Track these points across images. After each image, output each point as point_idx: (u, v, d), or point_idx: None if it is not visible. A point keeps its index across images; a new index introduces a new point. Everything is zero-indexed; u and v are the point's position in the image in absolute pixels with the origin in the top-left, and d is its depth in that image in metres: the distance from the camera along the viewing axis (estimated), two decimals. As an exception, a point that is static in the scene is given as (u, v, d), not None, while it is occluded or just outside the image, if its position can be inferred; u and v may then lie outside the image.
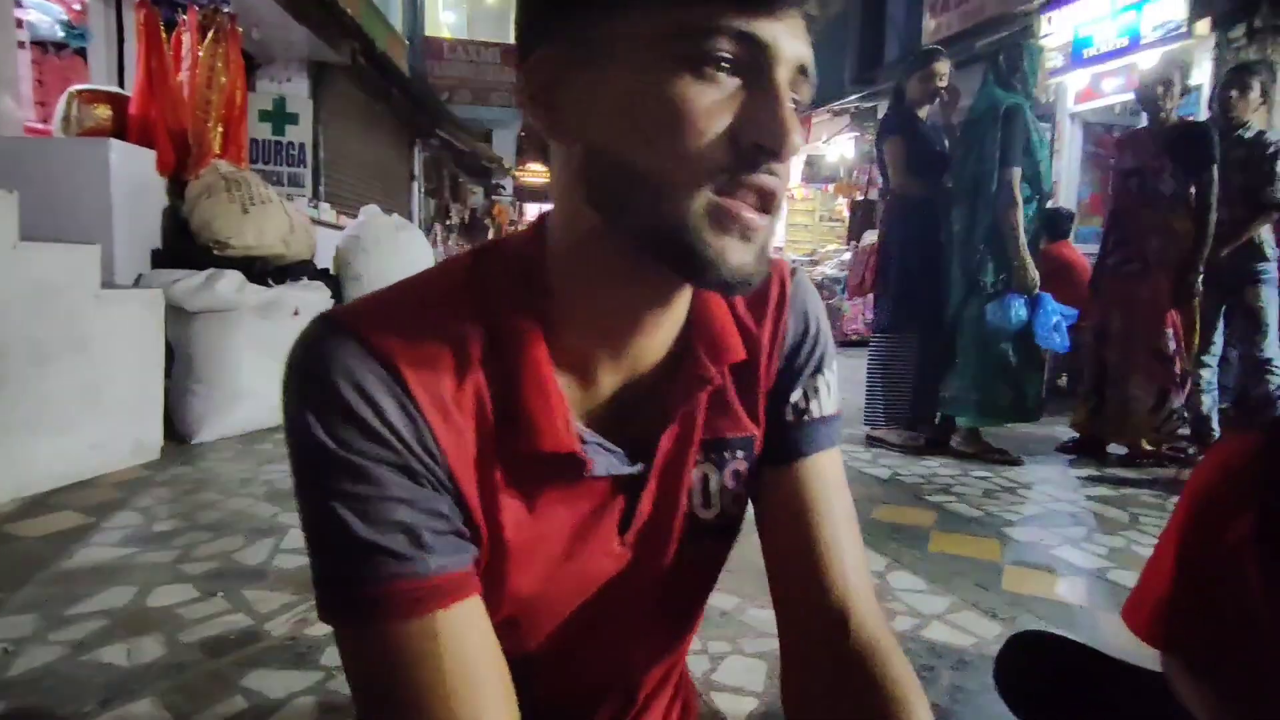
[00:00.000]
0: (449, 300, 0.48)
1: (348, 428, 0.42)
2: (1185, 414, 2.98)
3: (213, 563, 1.74)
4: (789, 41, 0.43)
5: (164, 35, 3.11)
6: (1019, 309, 2.80)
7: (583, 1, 0.44)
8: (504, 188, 14.11)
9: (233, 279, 2.95)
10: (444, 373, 0.45)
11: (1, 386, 1.99)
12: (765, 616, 1.59)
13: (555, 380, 0.47)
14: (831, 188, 8.60)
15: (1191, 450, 3.01)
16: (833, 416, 0.60)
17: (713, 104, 0.42)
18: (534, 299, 0.48)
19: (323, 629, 1.42)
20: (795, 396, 0.58)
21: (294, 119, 5.77)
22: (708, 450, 0.56)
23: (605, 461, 0.50)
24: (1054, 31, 6.40)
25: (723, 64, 0.41)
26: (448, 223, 10.79)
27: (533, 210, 24.94)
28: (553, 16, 0.46)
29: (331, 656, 1.33)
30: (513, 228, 12.71)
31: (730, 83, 0.42)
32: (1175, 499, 2.40)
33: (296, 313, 3.10)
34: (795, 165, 10.40)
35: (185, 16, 3.27)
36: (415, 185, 9.87)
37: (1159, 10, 5.60)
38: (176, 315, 2.75)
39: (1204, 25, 5.37)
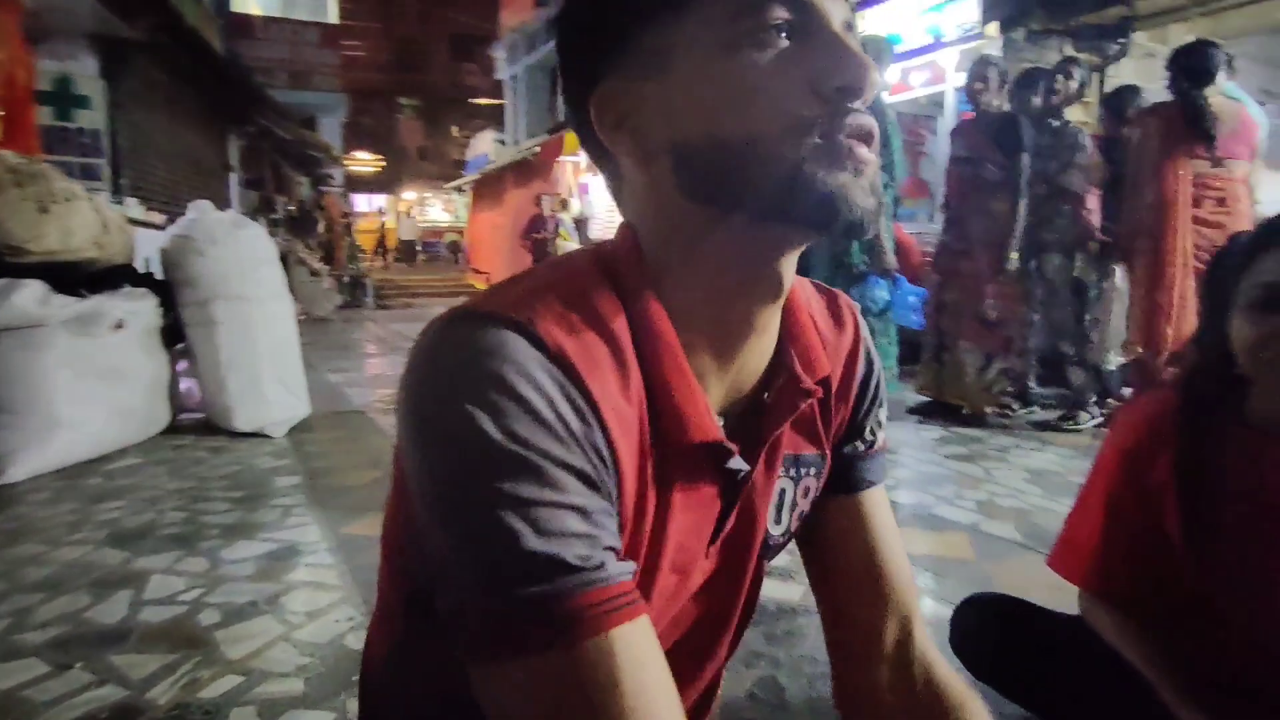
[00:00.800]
0: (595, 291, 0.46)
1: (524, 421, 0.38)
2: (1010, 374, 3.36)
3: (57, 628, 1.47)
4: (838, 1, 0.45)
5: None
6: (881, 291, 3.02)
7: (638, 22, 0.46)
8: (333, 177, 13.16)
9: (34, 289, 2.52)
10: (610, 368, 0.43)
11: None
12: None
13: (688, 370, 0.47)
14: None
15: (1016, 408, 3.40)
16: (885, 450, 0.64)
17: (783, 64, 0.43)
18: (663, 293, 0.48)
19: (220, 689, 1.25)
20: (870, 423, 0.62)
21: (83, 102, 4.99)
22: (787, 464, 0.56)
23: (736, 457, 0.50)
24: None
25: (780, 30, 0.43)
26: (272, 216, 9.90)
27: (362, 202, 23.61)
28: (610, 47, 0.47)
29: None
30: (345, 220, 11.89)
31: (790, 45, 0.44)
32: (1017, 453, 2.74)
33: (120, 325, 2.71)
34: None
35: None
36: (232, 176, 8.94)
37: (958, 12, 6.21)
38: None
39: (993, 28, 6.03)
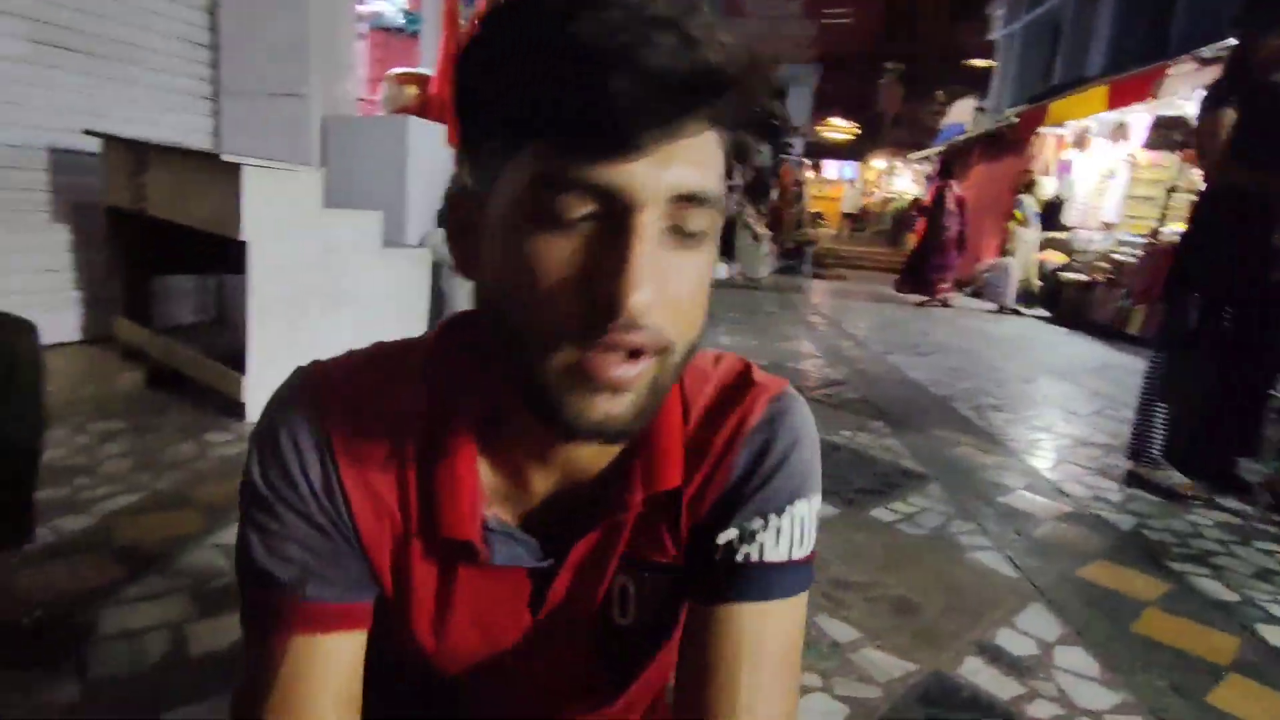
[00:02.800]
0: (405, 378, 0.53)
1: (274, 473, 0.50)
2: None
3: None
4: (655, 178, 0.39)
5: (462, 18, 3.56)
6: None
7: (478, 141, 0.45)
8: (792, 146, 13.82)
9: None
10: (377, 455, 0.51)
11: (303, 322, 2.53)
12: (881, 661, 1.48)
13: (471, 473, 0.51)
14: (1179, 155, 6.98)
15: None
16: (780, 566, 0.54)
17: (568, 258, 0.41)
18: (479, 394, 0.51)
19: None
20: (728, 536, 0.54)
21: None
22: (629, 564, 0.56)
23: (509, 553, 0.53)
24: None
25: (582, 217, 0.40)
26: (730, 183, 10.89)
27: (833, 170, 24.17)
28: (465, 153, 0.47)
29: None
30: (797, 189, 12.43)
31: (592, 227, 0.41)
32: None
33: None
34: (1140, 125, 8.64)
35: None
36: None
37: None
38: (442, 269, 3.23)
39: None
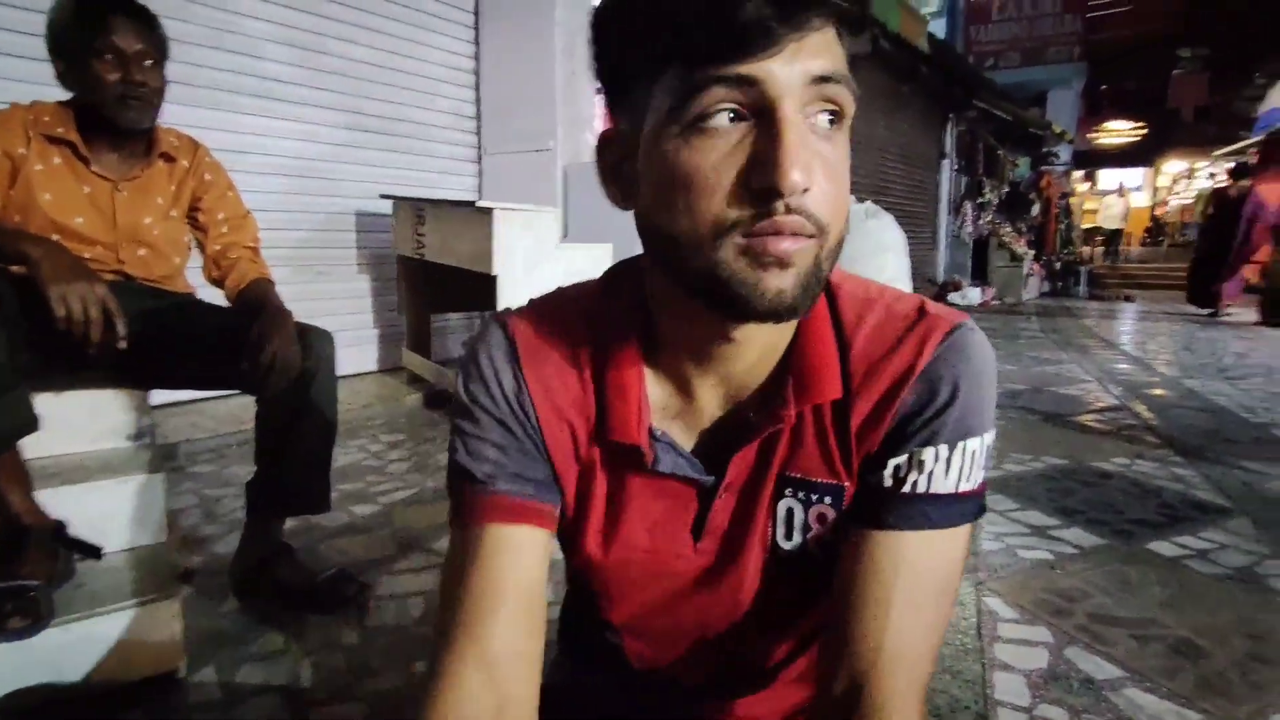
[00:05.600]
0: (579, 309, 0.59)
1: (474, 384, 0.57)
2: None
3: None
4: (791, 67, 0.42)
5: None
6: None
7: (621, 78, 0.49)
8: (1057, 156, 12.34)
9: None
10: (557, 369, 0.57)
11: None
12: (1152, 706, 1.24)
13: (639, 383, 0.56)
14: None
15: None
16: (946, 497, 0.53)
17: (721, 158, 0.44)
18: (642, 315, 0.56)
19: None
20: (897, 461, 0.53)
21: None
22: (793, 486, 0.56)
23: (672, 461, 0.56)
24: None
25: (729, 115, 0.43)
26: (980, 200, 10.05)
27: (1108, 178, 21.21)
28: (611, 94, 0.51)
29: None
30: (1064, 201, 11.06)
31: (739, 130, 0.44)
32: None
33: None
34: None
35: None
36: (945, 163, 9.46)
37: None
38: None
39: None
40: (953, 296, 8.99)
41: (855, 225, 3.55)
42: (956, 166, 9.78)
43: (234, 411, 2.66)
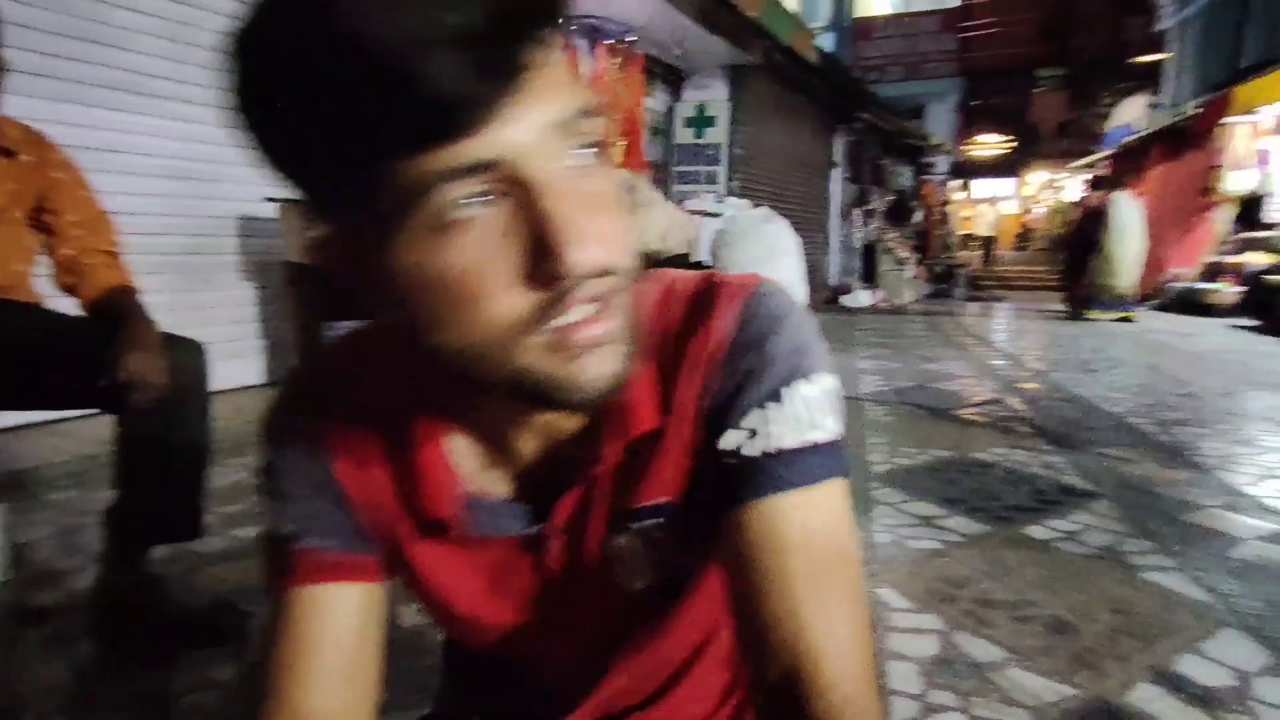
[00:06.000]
0: (385, 370, 0.53)
1: (277, 438, 0.54)
2: None
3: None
4: (523, 126, 0.36)
5: (581, 69, 3.77)
6: None
7: (300, 164, 0.40)
8: (935, 165, 13.17)
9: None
10: (361, 447, 0.53)
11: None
12: (1030, 684, 1.32)
13: (438, 453, 0.51)
14: None
15: None
16: (797, 450, 0.48)
17: (486, 254, 0.37)
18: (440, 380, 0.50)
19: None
20: (731, 440, 0.49)
21: (711, 122, 6.35)
22: (623, 519, 0.53)
23: (493, 524, 0.53)
24: None
25: (477, 203, 0.37)
26: (867, 208, 10.57)
27: (981, 187, 22.79)
28: (289, 174, 0.41)
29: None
30: (943, 209, 11.81)
31: (495, 213, 0.37)
32: None
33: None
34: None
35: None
36: (835, 172, 9.89)
37: None
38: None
39: None
40: (845, 299, 9.41)
41: (752, 230, 3.65)
42: (846, 175, 10.24)
43: (99, 432, 2.43)
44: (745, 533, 0.47)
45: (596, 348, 0.40)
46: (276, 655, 0.51)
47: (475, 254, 0.37)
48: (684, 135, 6.45)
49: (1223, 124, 9.05)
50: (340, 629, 0.52)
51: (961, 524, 2.10)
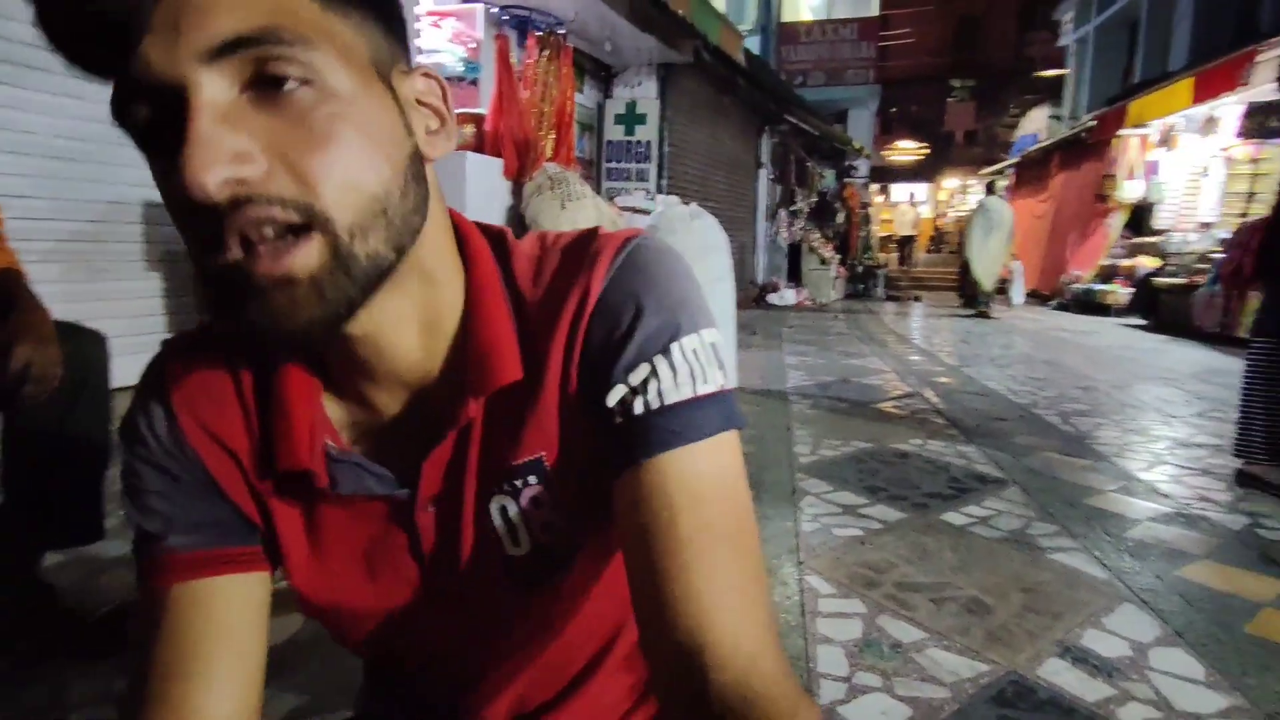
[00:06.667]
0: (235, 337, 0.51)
1: (129, 429, 0.51)
2: None
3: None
4: (172, 45, 0.35)
5: (513, 59, 3.71)
6: None
7: None
8: (856, 169, 13.62)
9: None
10: (210, 397, 0.50)
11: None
12: (948, 661, 1.38)
13: (309, 401, 0.49)
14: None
15: None
16: (684, 404, 0.46)
17: (164, 173, 0.37)
18: None
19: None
20: (616, 396, 0.47)
21: (642, 119, 6.36)
22: (497, 480, 0.50)
23: (355, 481, 0.49)
24: None
25: (146, 123, 0.37)
26: (793, 208, 10.83)
27: (899, 191, 23.69)
28: None
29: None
30: (864, 211, 12.23)
31: (162, 140, 0.37)
32: None
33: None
34: (1230, 116, 8.10)
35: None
36: (762, 172, 10.09)
37: None
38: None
39: None
40: (771, 297, 9.61)
41: (682, 226, 3.67)
42: (772, 176, 10.45)
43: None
44: (635, 493, 0.46)
45: (282, 287, 0.37)
46: (158, 658, 0.48)
47: (158, 171, 0.37)
48: (614, 132, 6.44)
49: (1118, 136, 9.66)
50: (224, 626, 0.49)
51: (883, 512, 2.17)
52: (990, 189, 9.47)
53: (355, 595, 0.53)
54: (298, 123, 0.37)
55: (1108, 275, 9.40)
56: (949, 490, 2.38)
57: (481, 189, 3.55)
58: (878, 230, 14.35)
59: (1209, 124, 8.16)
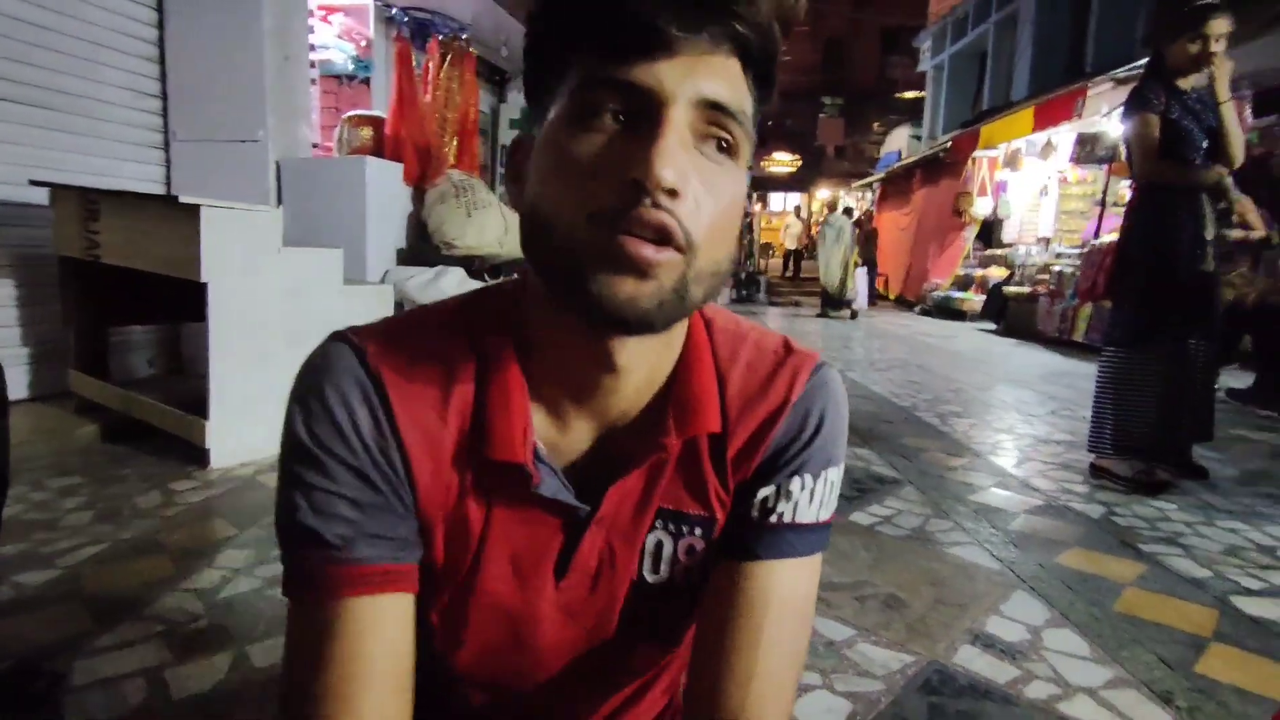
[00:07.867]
0: (445, 326, 0.54)
1: (324, 428, 0.49)
2: None
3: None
4: (683, 81, 0.43)
5: (414, 63, 3.61)
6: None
7: (538, 86, 0.48)
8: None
9: (455, 275, 3.36)
10: (430, 390, 0.51)
11: (265, 363, 2.49)
12: (878, 655, 1.49)
13: (523, 396, 0.51)
14: (1107, 168, 7.38)
15: None
16: (809, 526, 0.56)
17: (600, 150, 0.44)
18: (516, 338, 0.53)
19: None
20: (766, 492, 0.56)
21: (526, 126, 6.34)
22: (665, 518, 0.56)
23: (554, 485, 0.52)
24: None
25: (615, 116, 0.44)
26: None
27: (778, 201, 24.81)
28: (531, 107, 0.50)
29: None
30: (747, 220, 12.71)
31: (624, 130, 0.44)
32: None
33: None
34: (1066, 143, 9.12)
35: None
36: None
37: None
38: (403, 306, 3.21)
39: None
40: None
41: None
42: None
43: None
44: (745, 584, 0.54)
45: (638, 274, 0.43)
46: (332, 674, 0.47)
47: (594, 148, 0.44)
48: (509, 136, 6.39)
49: (973, 157, 10.57)
50: (394, 643, 0.49)
51: (798, 515, 2.29)
52: (833, 207, 10.44)
53: (492, 600, 0.55)
54: (716, 176, 0.45)
55: (964, 284, 10.25)
56: (853, 492, 2.54)
57: (381, 194, 3.43)
58: (759, 239, 14.94)
59: (1047, 149, 9.10)
